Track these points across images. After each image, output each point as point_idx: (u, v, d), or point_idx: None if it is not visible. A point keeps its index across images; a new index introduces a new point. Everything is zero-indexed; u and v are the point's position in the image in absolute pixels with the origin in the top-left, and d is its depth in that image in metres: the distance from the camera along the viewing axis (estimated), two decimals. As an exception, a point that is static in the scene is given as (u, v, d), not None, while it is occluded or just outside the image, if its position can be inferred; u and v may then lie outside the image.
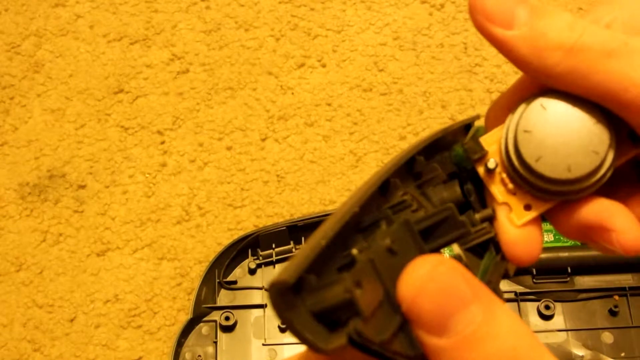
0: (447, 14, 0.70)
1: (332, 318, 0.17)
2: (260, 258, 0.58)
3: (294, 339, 0.17)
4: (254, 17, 0.71)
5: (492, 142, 0.24)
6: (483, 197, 0.25)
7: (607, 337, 0.55)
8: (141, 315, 0.60)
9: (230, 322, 0.56)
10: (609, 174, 0.22)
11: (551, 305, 0.55)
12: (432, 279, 0.17)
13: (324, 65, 0.69)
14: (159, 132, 0.66)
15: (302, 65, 0.69)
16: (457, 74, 0.68)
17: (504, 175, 0.24)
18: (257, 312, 0.57)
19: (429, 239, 0.20)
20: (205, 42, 0.70)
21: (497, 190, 0.24)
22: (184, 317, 0.58)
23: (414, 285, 0.18)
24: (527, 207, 0.24)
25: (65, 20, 0.71)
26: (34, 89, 0.68)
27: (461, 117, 0.66)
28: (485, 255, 0.24)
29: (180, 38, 0.70)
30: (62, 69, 0.69)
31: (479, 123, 0.28)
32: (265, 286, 0.58)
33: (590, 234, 0.23)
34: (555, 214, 0.23)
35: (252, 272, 0.58)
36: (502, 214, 0.24)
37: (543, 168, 0.22)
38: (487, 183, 0.24)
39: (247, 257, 0.59)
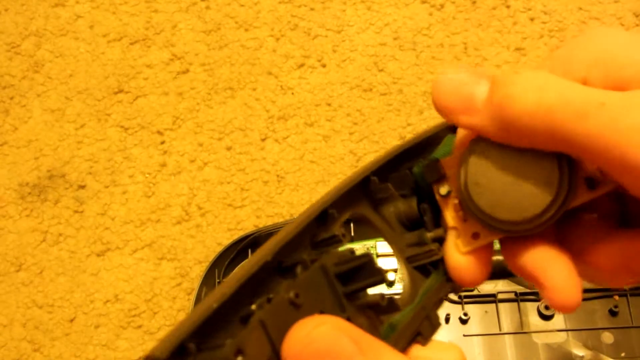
0: (447, 14, 0.70)
1: None
2: (260, 258, 0.58)
3: None
4: (254, 17, 0.71)
5: (451, 165, 0.24)
6: (437, 217, 0.25)
7: (607, 337, 0.55)
8: (141, 316, 0.60)
9: (230, 322, 0.56)
10: (557, 216, 0.22)
11: (551, 305, 0.55)
12: (313, 341, 0.18)
13: (324, 65, 0.69)
14: (159, 132, 0.66)
15: (302, 65, 0.69)
16: (457, 74, 0.68)
17: (456, 201, 0.24)
18: (257, 312, 0.57)
19: (348, 282, 0.21)
20: (205, 42, 0.70)
21: (449, 214, 0.24)
22: (184, 317, 0.58)
23: (294, 348, 0.18)
24: (475, 236, 0.24)
25: (65, 20, 0.71)
26: (33, 89, 0.68)
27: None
28: (432, 275, 0.25)
29: (180, 38, 0.70)
30: (62, 69, 0.69)
31: None
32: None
33: (530, 280, 0.22)
34: (505, 251, 0.23)
35: (252, 272, 0.58)
36: (450, 238, 0.24)
37: (478, 198, 0.22)
38: (441, 205, 0.24)
39: (247, 257, 0.59)
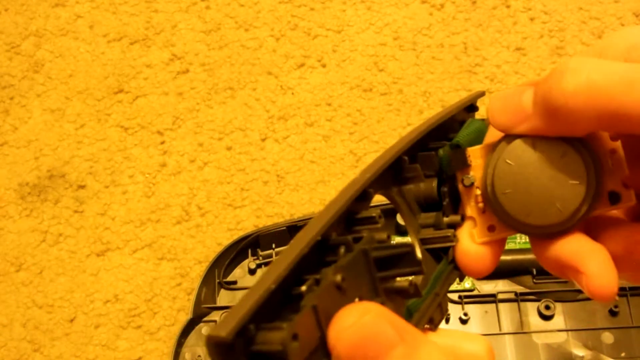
0: (447, 14, 0.70)
1: None
2: (260, 258, 0.58)
3: None
4: (254, 17, 0.71)
5: (479, 156, 0.24)
6: (456, 204, 0.25)
7: (607, 337, 0.55)
8: (141, 315, 0.60)
9: (230, 322, 0.56)
10: (576, 224, 0.23)
11: (551, 305, 0.55)
12: (359, 329, 0.18)
13: (324, 65, 0.69)
14: (159, 132, 0.66)
15: (302, 65, 0.69)
16: (457, 74, 0.68)
17: (479, 193, 0.24)
18: (257, 312, 0.57)
19: (385, 268, 0.21)
20: (205, 42, 0.70)
21: (469, 204, 0.24)
22: (184, 317, 0.58)
23: (340, 336, 0.18)
24: (491, 228, 0.24)
25: (65, 20, 0.71)
26: (34, 89, 0.68)
27: (461, 117, 0.66)
28: (443, 260, 0.25)
29: (180, 38, 0.70)
30: (62, 69, 0.69)
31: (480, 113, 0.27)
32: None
33: (564, 271, 0.23)
34: (536, 245, 0.24)
35: (252, 272, 0.58)
36: (466, 226, 0.25)
37: (506, 202, 0.23)
38: (462, 194, 0.25)
39: (247, 257, 0.59)
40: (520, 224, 0.23)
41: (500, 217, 0.23)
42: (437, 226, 0.25)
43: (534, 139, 0.22)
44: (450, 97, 0.67)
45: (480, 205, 0.24)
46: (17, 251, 0.62)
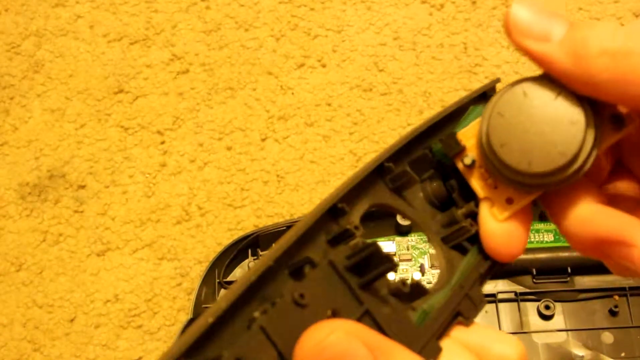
0: (447, 14, 0.70)
1: None
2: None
3: None
4: (254, 17, 0.71)
5: (470, 136, 0.24)
6: (466, 192, 0.24)
7: (607, 337, 0.55)
8: (141, 315, 0.60)
9: (230, 322, 0.56)
10: (586, 168, 0.22)
11: (551, 305, 0.55)
12: (325, 349, 0.17)
13: (324, 65, 0.69)
14: (159, 132, 0.66)
15: (302, 65, 0.69)
16: (457, 74, 0.68)
17: (483, 170, 0.23)
18: (257, 312, 0.57)
19: (361, 273, 0.20)
20: (205, 42, 0.70)
21: (478, 185, 0.24)
22: (184, 317, 0.58)
23: (305, 357, 0.17)
24: (509, 201, 0.23)
25: (65, 20, 0.71)
26: (34, 89, 0.68)
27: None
28: (468, 253, 0.24)
29: (180, 38, 0.70)
30: (62, 69, 0.69)
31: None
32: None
33: (606, 248, 0.22)
34: (568, 224, 0.23)
35: (252, 272, 0.58)
36: (483, 208, 0.23)
37: (506, 156, 0.22)
38: (467, 178, 0.24)
39: (247, 257, 0.59)
40: (528, 177, 0.22)
41: (508, 177, 0.22)
42: (453, 221, 0.24)
43: (523, 85, 0.22)
44: (450, 97, 0.67)
45: (489, 181, 0.23)
46: (17, 251, 0.62)
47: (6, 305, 0.61)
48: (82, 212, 0.63)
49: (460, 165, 0.24)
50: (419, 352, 0.20)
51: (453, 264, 0.24)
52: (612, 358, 0.54)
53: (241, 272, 0.59)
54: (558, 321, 0.55)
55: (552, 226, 0.57)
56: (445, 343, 0.22)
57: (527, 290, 0.56)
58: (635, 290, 0.56)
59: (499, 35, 0.69)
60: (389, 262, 0.20)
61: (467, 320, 0.23)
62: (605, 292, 0.56)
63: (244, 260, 0.59)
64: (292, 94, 0.68)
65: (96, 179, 0.64)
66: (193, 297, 0.57)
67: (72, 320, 0.60)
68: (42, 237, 0.63)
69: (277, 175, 0.64)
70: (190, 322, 0.56)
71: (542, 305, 0.55)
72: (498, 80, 0.26)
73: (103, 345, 0.59)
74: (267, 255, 0.19)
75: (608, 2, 0.70)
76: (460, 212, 0.24)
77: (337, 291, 0.20)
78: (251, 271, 0.19)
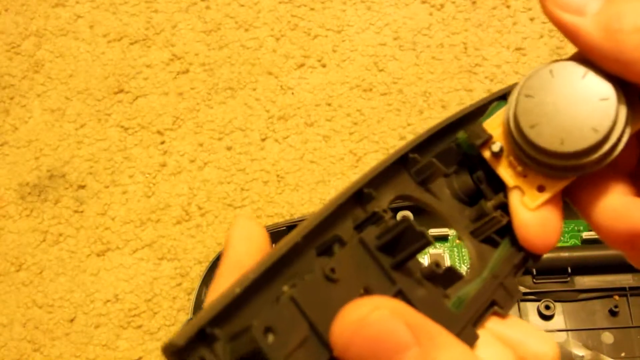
0: (447, 14, 0.70)
1: None
2: (260, 258, 0.58)
3: None
4: (254, 17, 0.71)
5: (496, 125, 0.23)
6: (495, 183, 0.24)
7: (607, 337, 0.55)
8: (141, 315, 0.60)
9: (230, 322, 0.56)
10: (619, 147, 0.21)
11: (551, 305, 0.55)
12: (366, 326, 0.16)
13: (324, 65, 0.69)
14: (159, 132, 0.66)
15: (302, 65, 0.69)
16: (457, 74, 0.68)
17: (512, 158, 0.23)
18: (257, 312, 0.57)
19: (392, 253, 0.20)
20: (205, 42, 0.70)
21: (507, 174, 0.23)
22: (184, 317, 0.58)
23: (345, 331, 0.16)
24: (541, 189, 0.22)
25: (65, 20, 0.71)
26: (34, 89, 0.68)
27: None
28: (500, 245, 0.23)
29: (180, 38, 0.70)
30: (62, 69, 0.69)
31: None
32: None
33: None
34: (599, 217, 0.22)
35: (252, 272, 0.58)
36: (514, 198, 0.23)
37: (536, 137, 0.21)
38: (495, 168, 0.23)
39: (247, 257, 0.58)
40: (561, 158, 0.21)
41: (539, 162, 0.22)
42: (483, 214, 0.24)
43: (549, 66, 0.21)
44: (450, 97, 0.67)
45: (519, 168, 0.23)
46: (17, 251, 0.62)
47: (6, 305, 0.61)
48: (82, 212, 0.63)
49: (487, 155, 0.23)
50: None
51: (484, 257, 0.23)
52: (612, 358, 0.54)
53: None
54: (558, 321, 0.55)
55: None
56: (480, 333, 0.21)
57: (527, 290, 0.56)
58: (635, 290, 0.56)
59: (499, 35, 0.69)
60: (424, 238, 0.19)
61: (503, 310, 0.22)
62: (605, 292, 0.56)
63: (244, 260, 0.59)
64: (292, 94, 0.68)
65: (96, 179, 0.64)
66: (193, 297, 0.57)
67: (72, 320, 0.60)
68: (42, 237, 0.63)
69: (277, 175, 0.64)
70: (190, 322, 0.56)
71: (542, 305, 0.55)
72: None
73: (103, 345, 0.59)
74: (294, 233, 0.19)
75: (608, 2, 0.70)
76: (489, 204, 0.24)
77: (369, 270, 0.19)
78: (278, 246, 0.18)
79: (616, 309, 0.55)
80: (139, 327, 0.60)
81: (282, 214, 0.63)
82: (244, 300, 0.17)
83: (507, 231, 0.23)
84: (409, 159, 0.23)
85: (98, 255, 0.62)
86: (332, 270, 0.18)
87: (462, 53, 0.69)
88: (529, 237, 0.22)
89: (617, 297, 0.56)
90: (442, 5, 0.71)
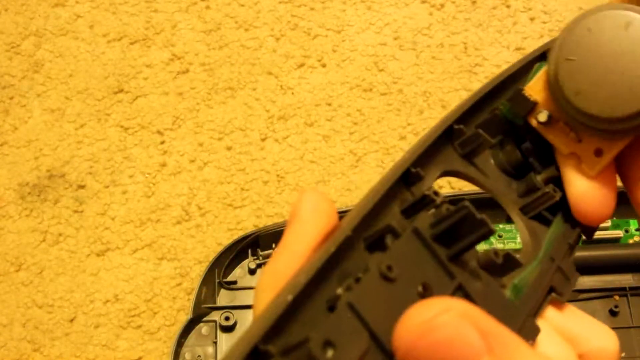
0: (447, 14, 0.70)
1: None
2: (260, 258, 0.58)
3: None
4: (254, 17, 0.71)
5: (539, 90, 0.21)
6: (543, 154, 0.22)
7: (607, 337, 0.55)
8: (141, 315, 0.60)
9: (230, 322, 0.56)
10: None
11: (551, 305, 0.55)
12: (434, 329, 0.15)
13: (324, 65, 0.69)
14: (159, 132, 0.66)
15: (302, 65, 0.69)
16: (457, 74, 0.68)
17: (562, 123, 0.21)
18: (257, 312, 0.57)
19: (447, 243, 0.18)
20: (205, 42, 0.70)
21: (559, 140, 0.21)
22: (184, 317, 0.58)
23: (410, 335, 0.15)
24: (598, 153, 0.20)
25: (65, 20, 0.71)
26: (34, 89, 0.68)
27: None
28: (553, 223, 0.22)
29: (180, 38, 0.70)
30: (62, 69, 0.69)
31: None
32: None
33: None
34: None
35: (252, 272, 0.58)
36: (569, 167, 0.21)
37: (583, 104, 0.19)
38: (546, 136, 0.21)
39: (247, 257, 0.59)
40: (615, 122, 0.19)
41: (597, 129, 0.20)
42: (533, 189, 0.22)
43: (585, 22, 0.19)
44: (450, 97, 0.67)
45: (572, 134, 0.21)
46: (17, 251, 0.62)
47: (6, 305, 0.61)
48: (82, 212, 0.63)
49: (534, 123, 0.21)
50: (518, 332, 0.18)
51: (537, 236, 0.21)
52: (612, 358, 0.54)
53: (241, 272, 0.59)
54: (558, 321, 0.55)
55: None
56: (540, 325, 0.19)
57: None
58: (635, 290, 0.56)
59: (499, 35, 0.69)
60: (485, 226, 0.17)
61: (562, 296, 0.20)
62: (605, 292, 0.56)
63: (244, 260, 0.59)
64: (292, 94, 0.68)
65: (96, 179, 0.64)
66: (193, 297, 0.57)
67: (72, 320, 0.60)
68: (42, 237, 0.63)
69: (277, 175, 0.64)
70: (190, 322, 0.56)
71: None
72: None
73: (103, 345, 0.59)
74: (343, 226, 0.17)
75: (608, 2, 0.70)
76: (539, 177, 0.22)
77: (425, 264, 0.17)
78: (328, 243, 0.17)
79: (616, 309, 0.55)
80: (139, 327, 0.60)
81: (282, 214, 0.63)
82: (296, 308, 0.16)
83: (559, 207, 0.21)
84: (453, 130, 0.21)
85: (98, 255, 0.62)
86: (389, 268, 0.16)
87: (462, 53, 0.69)
88: (587, 208, 0.20)
89: (617, 297, 0.56)
90: (442, 5, 0.71)
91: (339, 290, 0.16)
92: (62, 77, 0.69)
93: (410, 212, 0.19)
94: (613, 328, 0.57)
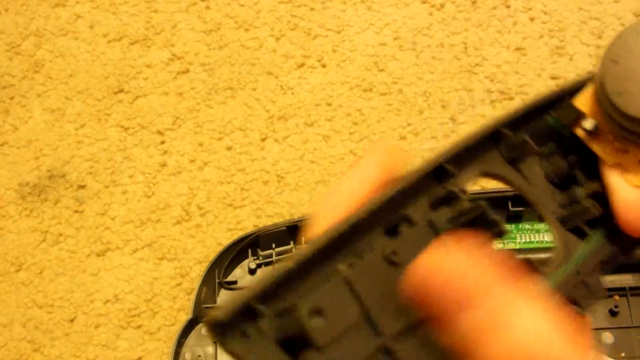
0: (447, 14, 0.70)
1: (295, 345, 0.16)
2: (260, 258, 0.58)
3: None
4: (254, 17, 0.71)
5: (587, 101, 0.21)
6: (589, 169, 0.22)
7: (607, 337, 0.55)
8: (141, 315, 0.60)
9: (230, 322, 0.56)
10: None
11: (551, 305, 0.55)
12: (450, 263, 0.15)
13: (324, 65, 0.69)
14: (159, 132, 0.66)
15: (302, 65, 0.69)
16: (457, 74, 0.68)
17: (608, 133, 0.21)
18: (257, 312, 0.57)
19: None
20: (205, 42, 0.70)
21: (605, 151, 0.21)
22: (184, 317, 0.58)
23: (422, 272, 0.15)
24: None
25: (65, 20, 0.71)
26: (34, 89, 0.68)
27: (462, 117, 0.66)
28: (588, 237, 0.22)
29: (180, 38, 0.70)
30: (62, 69, 0.69)
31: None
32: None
33: None
34: None
35: (252, 272, 0.58)
36: (614, 177, 0.21)
37: (625, 105, 0.19)
38: (591, 147, 0.21)
39: (247, 257, 0.59)
40: None
41: (636, 130, 0.20)
42: (574, 200, 0.22)
43: (635, 25, 0.20)
44: (450, 97, 0.67)
45: (617, 144, 0.21)
46: (17, 251, 0.62)
47: (6, 305, 0.61)
48: (82, 212, 0.63)
49: (580, 133, 0.21)
50: None
51: (569, 247, 0.21)
52: (612, 358, 0.54)
53: (241, 272, 0.59)
54: (558, 321, 0.55)
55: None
56: None
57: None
58: (635, 290, 0.56)
59: (499, 35, 0.69)
60: (496, 227, 0.18)
61: (582, 310, 0.20)
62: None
63: (244, 260, 0.59)
64: (292, 94, 0.68)
65: (96, 179, 0.64)
66: (193, 297, 0.57)
67: (72, 321, 0.60)
68: (42, 237, 0.63)
69: (277, 175, 0.64)
70: (190, 322, 0.56)
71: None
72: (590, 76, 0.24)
73: (103, 345, 0.59)
74: (361, 208, 0.18)
75: (608, 2, 0.70)
76: (582, 191, 0.22)
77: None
78: (341, 221, 0.17)
79: (616, 309, 0.55)
80: (139, 327, 0.60)
81: (282, 214, 0.63)
82: (297, 277, 0.16)
83: (598, 223, 0.22)
84: (501, 134, 0.21)
85: (98, 255, 0.62)
86: (394, 252, 0.17)
87: (462, 53, 0.69)
88: (632, 218, 0.20)
89: (617, 297, 0.56)
90: (442, 5, 0.71)
91: (341, 266, 0.17)
92: (62, 77, 0.69)
93: (437, 206, 0.19)
94: (613, 328, 0.57)
